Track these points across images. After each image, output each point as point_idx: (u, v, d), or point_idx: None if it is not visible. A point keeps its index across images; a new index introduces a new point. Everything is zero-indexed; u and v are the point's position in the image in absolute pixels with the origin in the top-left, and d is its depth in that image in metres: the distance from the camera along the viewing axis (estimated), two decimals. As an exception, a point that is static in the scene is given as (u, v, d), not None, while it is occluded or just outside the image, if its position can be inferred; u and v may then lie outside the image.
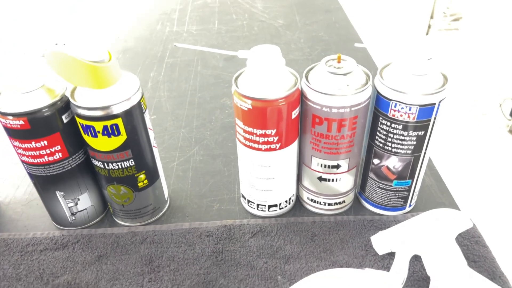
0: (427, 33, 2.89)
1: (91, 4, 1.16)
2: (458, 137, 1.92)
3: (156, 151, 0.47)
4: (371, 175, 0.47)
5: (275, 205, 0.49)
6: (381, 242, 0.44)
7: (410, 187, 0.47)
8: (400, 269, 0.39)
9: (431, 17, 2.83)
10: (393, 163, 0.44)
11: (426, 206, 0.50)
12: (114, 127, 0.40)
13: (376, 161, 0.45)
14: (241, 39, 0.91)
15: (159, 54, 0.86)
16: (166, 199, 0.51)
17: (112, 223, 0.50)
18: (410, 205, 0.49)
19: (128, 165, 0.43)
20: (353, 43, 0.86)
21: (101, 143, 0.41)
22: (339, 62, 0.41)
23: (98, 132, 0.40)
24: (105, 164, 0.43)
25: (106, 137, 0.41)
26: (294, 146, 0.45)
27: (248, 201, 0.49)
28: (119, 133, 0.41)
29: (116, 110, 0.40)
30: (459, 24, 2.77)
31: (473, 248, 0.44)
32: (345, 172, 0.46)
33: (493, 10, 2.39)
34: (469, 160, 1.74)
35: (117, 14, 1.08)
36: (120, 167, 0.43)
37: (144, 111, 0.43)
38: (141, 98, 0.42)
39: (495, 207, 1.51)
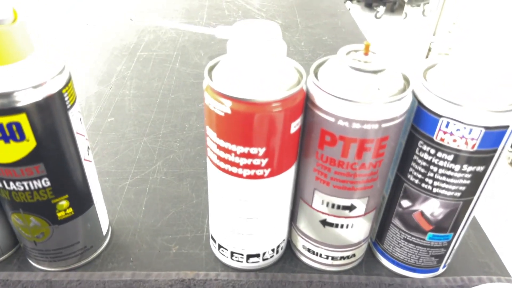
0: (426, 56, 2.81)
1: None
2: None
3: (90, 167, 0.32)
4: (396, 221, 0.33)
5: (257, 255, 0.34)
6: (408, 324, 0.30)
7: (449, 242, 0.33)
8: None
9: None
10: (432, 208, 0.31)
11: (464, 267, 0.36)
12: (14, 127, 0.26)
13: (406, 203, 0.32)
14: (232, 37, 0.77)
15: (131, 46, 0.72)
16: (104, 234, 0.36)
17: (22, 265, 0.35)
18: (444, 266, 0.35)
19: (41, 186, 0.29)
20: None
21: (-4, 151, 0.27)
22: (366, 54, 0.28)
23: (-11, 133, 0.26)
24: (5, 182, 0.28)
25: (2, 141, 0.26)
26: (289, 174, 0.31)
27: (220, 246, 0.35)
28: (22, 137, 0.26)
29: (19, 101, 0.25)
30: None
31: None
32: (361, 216, 0.32)
33: (498, 37, 2.32)
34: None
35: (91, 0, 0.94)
36: (27, 188, 0.29)
37: (69, 106, 0.28)
38: (64, 87, 0.28)
39: None
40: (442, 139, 0.27)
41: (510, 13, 2.12)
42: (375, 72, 0.26)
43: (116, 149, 0.48)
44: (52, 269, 0.34)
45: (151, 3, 0.92)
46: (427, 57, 2.84)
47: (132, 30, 0.78)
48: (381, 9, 3.41)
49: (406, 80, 0.28)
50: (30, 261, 0.35)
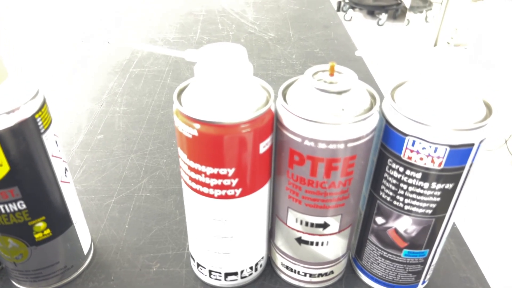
0: (429, 63, 2.80)
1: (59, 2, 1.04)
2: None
3: (68, 188, 0.33)
4: (372, 238, 0.33)
5: (235, 273, 0.34)
6: None
7: (426, 259, 0.33)
8: None
9: (435, 46, 2.74)
10: (405, 225, 0.31)
11: (445, 283, 0.36)
12: (-13, 153, 0.27)
13: (380, 220, 0.32)
14: (224, 51, 0.78)
15: (124, 62, 0.73)
16: (85, 253, 0.37)
17: (5, 285, 0.35)
18: (423, 282, 0.35)
19: (17, 208, 0.29)
20: (353, 62, 0.74)
21: (-29, 176, 0.28)
22: (332, 74, 0.28)
23: (-37, 159, 0.27)
24: (-19, 205, 0.29)
25: (-24, 167, 0.27)
26: (262, 193, 0.31)
27: (198, 265, 0.35)
28: (-4, 163, 0.27)
29: (-9, 127, 0.26)
30: (463, 55, 2.68)
31: None
32: (335, 233, 0.32)
33: (500, 43, 2.31)
34: (473, 205, 1.59)
35: (88, 16, 0.95)
36: (3, 211, 0.29)
37: (43, 130, 0.29)
38: (37, 112, 0.28)
39: None
40: (409, 157, 0.28)
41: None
42: (339, 93, 0.27)
43: (104, 167, 0.48)
44: (34, 289, 0.35)
45: (146, 19, 0.94)
46: (430, 63, 2.83)
47: (125, 46, 0.79)
48: (384, 16, 3.42)
49: (374, 98, 0.29)
50: (12, 281, 0.35)
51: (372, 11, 3.59)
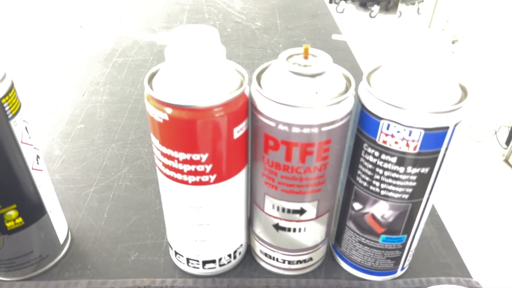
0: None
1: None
2: (450, 167, 1.80)
3: (40, 176, 0.32)
4: (350, 224, 0.33)
5: (213, 261, 0.34)
6: (359, 328, 0.29)
7: (404, 245, 0.33)
8: None
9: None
10: (382, 211, 0.30)
11: (425, 269, 0.36)
12: (-49, 138, 0.26)
13: (357, 205, 0.32)
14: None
15: (108, 52, 0.72)
16: (62, 243, 0.36)
17: (-21, 275, 0.35)
18: (402, 268, 0.35)
19: (-14, 196, 0.29)
20: (340, 51, 0.73)
21: None
22: (306, 57, 0.28)
23: None
24: (-51, 193, 0.28)
25: None
26: (239, 179, 0.31)
27: (176, 253, 0.35)
28: (-39, 149, 0.26)
29: (-45, 112, 0.25)
30: (455, 47, 2.69)
31: None
32: (312, 219, 0.31)
33: (491, 35, 2.32)
34: (462, 195, 1.61)
35: (69, 4, 0.94)
36: (-28, 199, 0.29)
37: (10, 116, 0.28)
38: (4, 96, 0.28)
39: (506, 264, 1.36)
40: (384, 141, 0.27)
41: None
42: (313, 75, 0.26)
43: (84, 156, 0.48)
44: (8, 279, 0.34)
45: (132, 8, 0.92)
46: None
47: (108, 35, 0.78)
48: (376, 8, 3.41)
49: (349, 82, 0.28)
50: (-13, 271, 0.35)
51: (364, 3, 3.58)
